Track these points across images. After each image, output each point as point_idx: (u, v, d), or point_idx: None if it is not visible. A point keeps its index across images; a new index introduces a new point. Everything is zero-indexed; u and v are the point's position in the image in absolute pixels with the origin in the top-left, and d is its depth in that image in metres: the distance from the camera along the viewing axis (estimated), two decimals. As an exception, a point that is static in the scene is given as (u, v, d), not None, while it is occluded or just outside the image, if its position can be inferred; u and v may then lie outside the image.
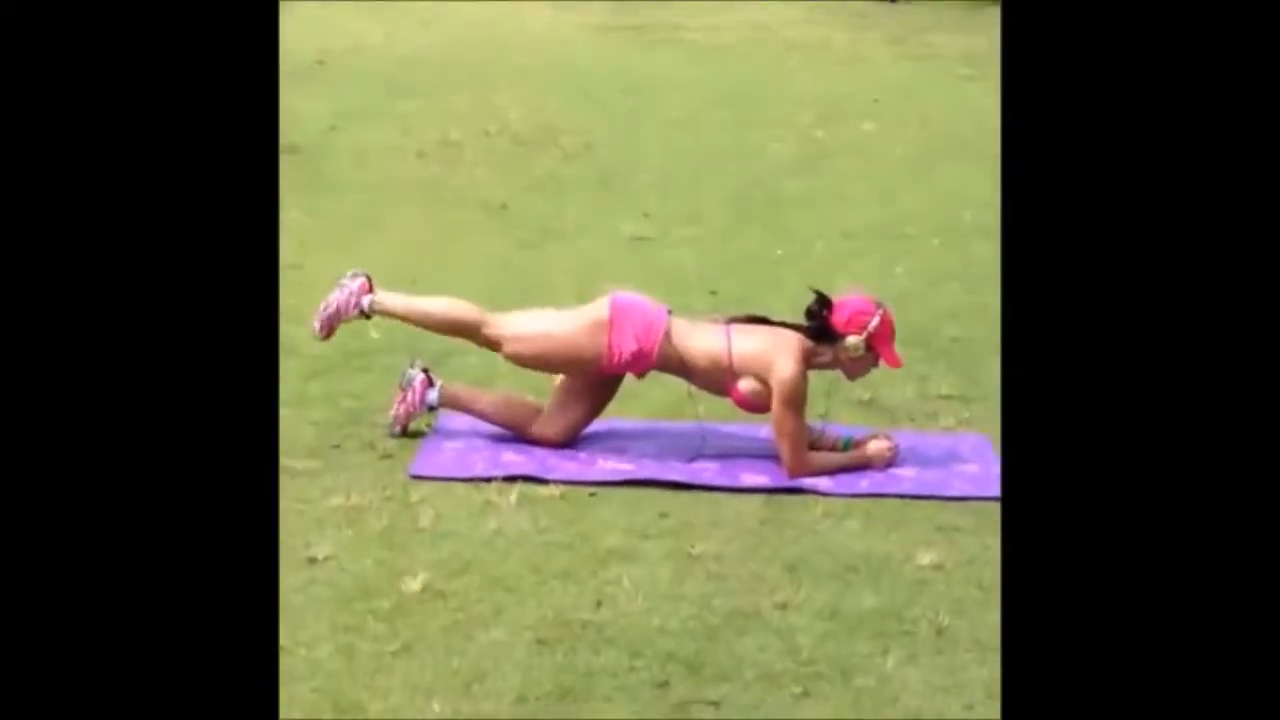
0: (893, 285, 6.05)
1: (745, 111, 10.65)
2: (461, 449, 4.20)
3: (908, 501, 3.99)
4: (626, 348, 4.13)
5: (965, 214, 7.31)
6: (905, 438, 4.35)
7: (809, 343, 4.15)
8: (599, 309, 4.18)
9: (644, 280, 5.85)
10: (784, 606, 3.36)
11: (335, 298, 4.29)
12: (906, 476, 4.14)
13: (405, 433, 4.27)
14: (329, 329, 4.31)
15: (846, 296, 4.23)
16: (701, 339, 4.18)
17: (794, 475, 4.08)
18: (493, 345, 4.26)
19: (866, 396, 4.62)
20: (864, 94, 11.27)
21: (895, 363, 4.21)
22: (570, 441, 4.26)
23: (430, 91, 10.82)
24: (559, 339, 4.17)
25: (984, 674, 3.11)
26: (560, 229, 6.95)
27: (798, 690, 3.03)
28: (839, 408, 4.45)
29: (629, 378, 4.29)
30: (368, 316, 4.32)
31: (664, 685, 3.02)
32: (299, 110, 10.50)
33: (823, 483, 4.07)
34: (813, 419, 4.28)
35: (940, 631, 3.28)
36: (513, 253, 6.48)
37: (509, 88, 11.06)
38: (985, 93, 10.24)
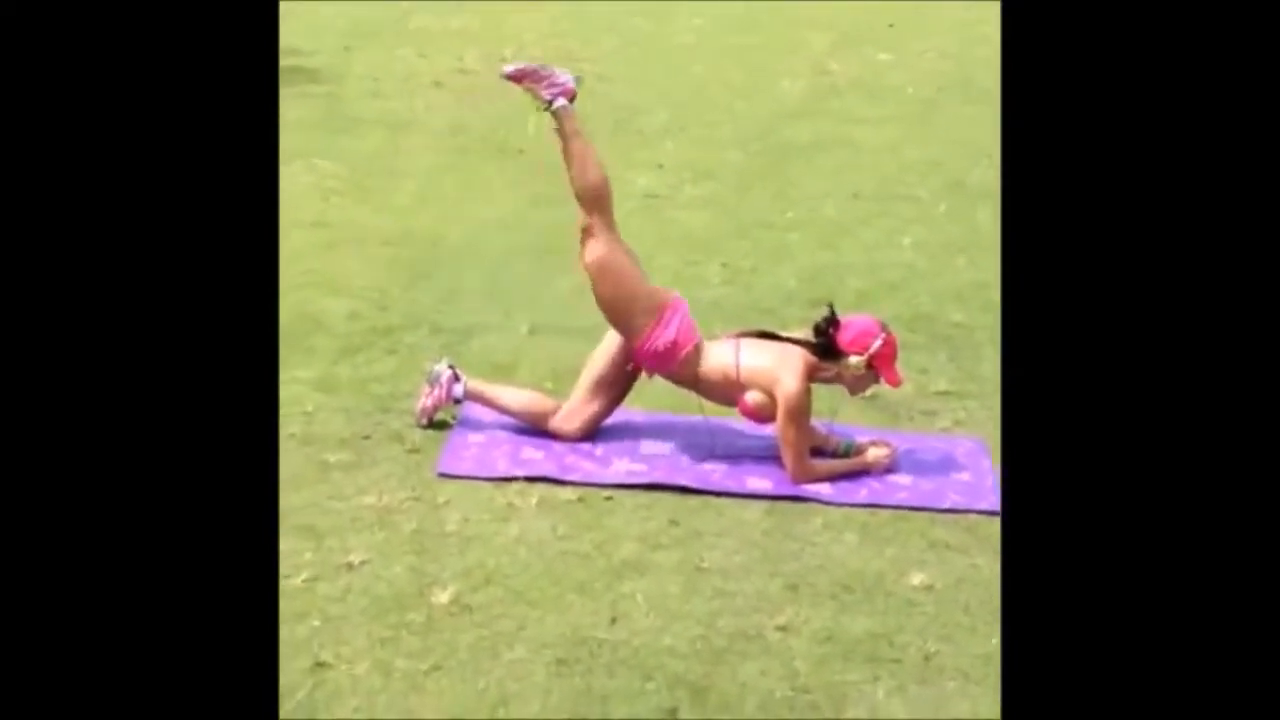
0: (899, 258, 6.29)
1: (759, 36, 10.70)
2: (484, 444, 4.46)
3: (903, 513, 4.26)
4: (666, 336, 4.36)
5: (974, 173, 7.49)
6: (903, 440, 4.62)
7: (813, 358, 4.40)
8: (667, 294, 4.43)
9: (656, 243, 6.07)
10: (784, 629, 3.62)
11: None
12: (903, 485, 4.41)
13: (431, 424, 4.54)
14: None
15: (854, 317, 4.46)
16: (714, 355, 4.43)
17: (796, 482, 4.35)
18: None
19: (869, 393, 4.85)
20: (881, 19, 11.30)
21: (895, 383, 4.46)
22: (589, 435, 4.53)
23: (443, 10, 10.88)
24: (629, 282, 4.33)
25: (965, 706, 3.39)
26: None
27: None
28: (842, 403, 4.70)
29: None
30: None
31: (672, 712, 3.30)
32: (315, 24, 10.57)
33: (824, 490, 4.33)
34: (820, 418, 4.55)
35: (928, 659, 3.55)
36: (529, 210, 6.67)
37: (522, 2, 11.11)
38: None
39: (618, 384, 4.53)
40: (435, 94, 8.74)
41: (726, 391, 4.43)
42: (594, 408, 4.53)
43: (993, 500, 4.27)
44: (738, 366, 4.37)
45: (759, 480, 4.36)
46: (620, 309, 4.39)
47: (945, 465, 4.52)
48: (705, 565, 3.90)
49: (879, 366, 4.41)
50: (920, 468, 4.50)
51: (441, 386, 4.54)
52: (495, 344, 5.10)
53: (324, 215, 6.37)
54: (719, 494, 4.27)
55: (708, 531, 4.08)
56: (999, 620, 3.61)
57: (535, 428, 4.54)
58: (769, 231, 6.58)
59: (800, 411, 4.33)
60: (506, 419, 4.58)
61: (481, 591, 3.71)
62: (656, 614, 3.66)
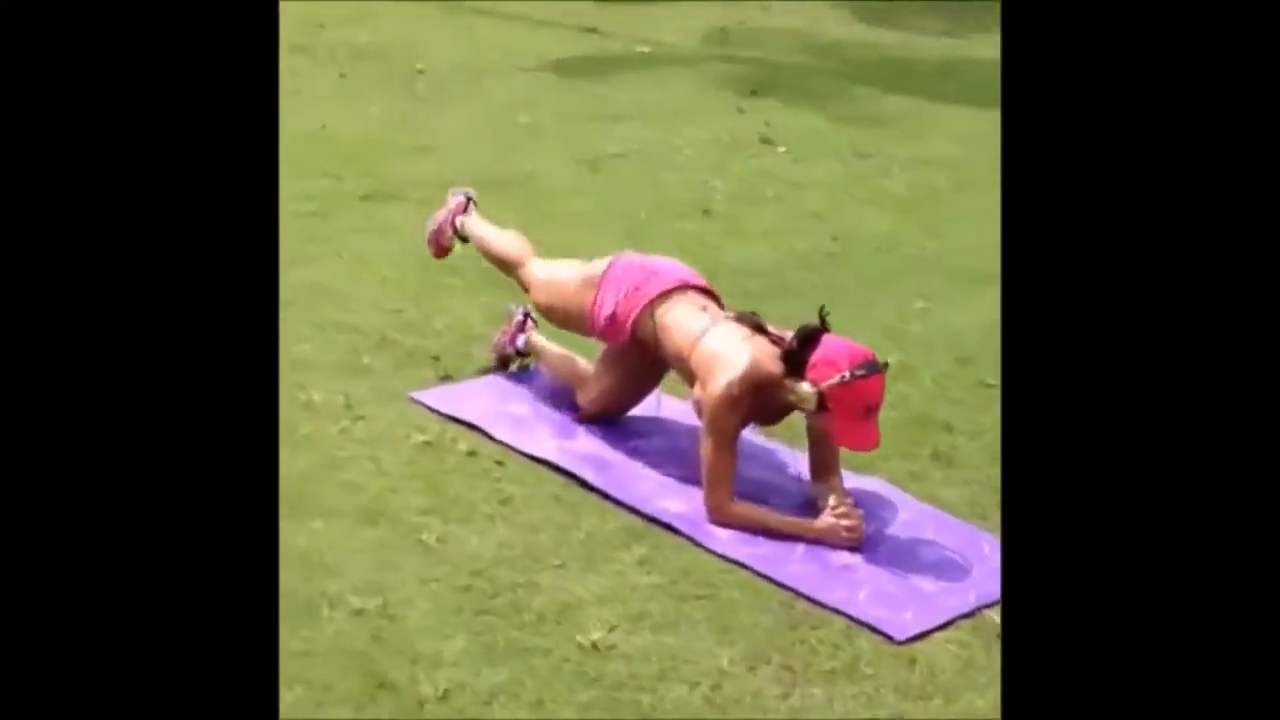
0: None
1: None
2: (500, 389, 3.99)
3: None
4: (605, 310, 3.68)
5: None
6: (889, 494, 3.52)
7: (776, 369, 3.34)
8: (598, 266, 3.75)
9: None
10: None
11: (438, 215, 4.24)
12: (852, 574, 3.23)
13: (503, 363, 4.13)
14: (435, 246, 4.25)
15: (841, 341, 3.36)
16: (683, 324, 3.56)
17: (710, 519, 3.36)
18: (525, 288, 3.96)
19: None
20: None
21: (849, 442, 3.32)
22: (611, 415, 3.85)
23: None
24: (557, 289, 3.82)
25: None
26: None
27: None
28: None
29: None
30: (463, 239, 4.20)
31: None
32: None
33: (721, 534, 3.30)
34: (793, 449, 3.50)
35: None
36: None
37: None
38: None
39: (628, 358, 3.77)
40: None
41: (685, 372, 3.56)
42: (603, 383, 3.84)
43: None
44: (694, 347, 3.47)
45: (678, 502, 3.44)
46: (568, 314, 3.83)
47: (924, 560, 3.25)
48: (425, 539, 3.23)
49: (833, 411, 3.28)
50: (894, 554, 3.31)
51: (510, 329, 4.13)
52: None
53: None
54: (613, 500, 3.45)
55: (515, 520, 3.36)
56: None
57: (570, 395, 3.95)
58: None
59: (720, 424, 3.36)
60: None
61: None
62: (283, 554, 3.05)
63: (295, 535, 3.21)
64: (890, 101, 7.50)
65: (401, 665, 2.81)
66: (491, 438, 3.74)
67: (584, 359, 4.00)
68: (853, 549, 3.32)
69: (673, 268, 3.74)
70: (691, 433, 3.79)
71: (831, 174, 6.22)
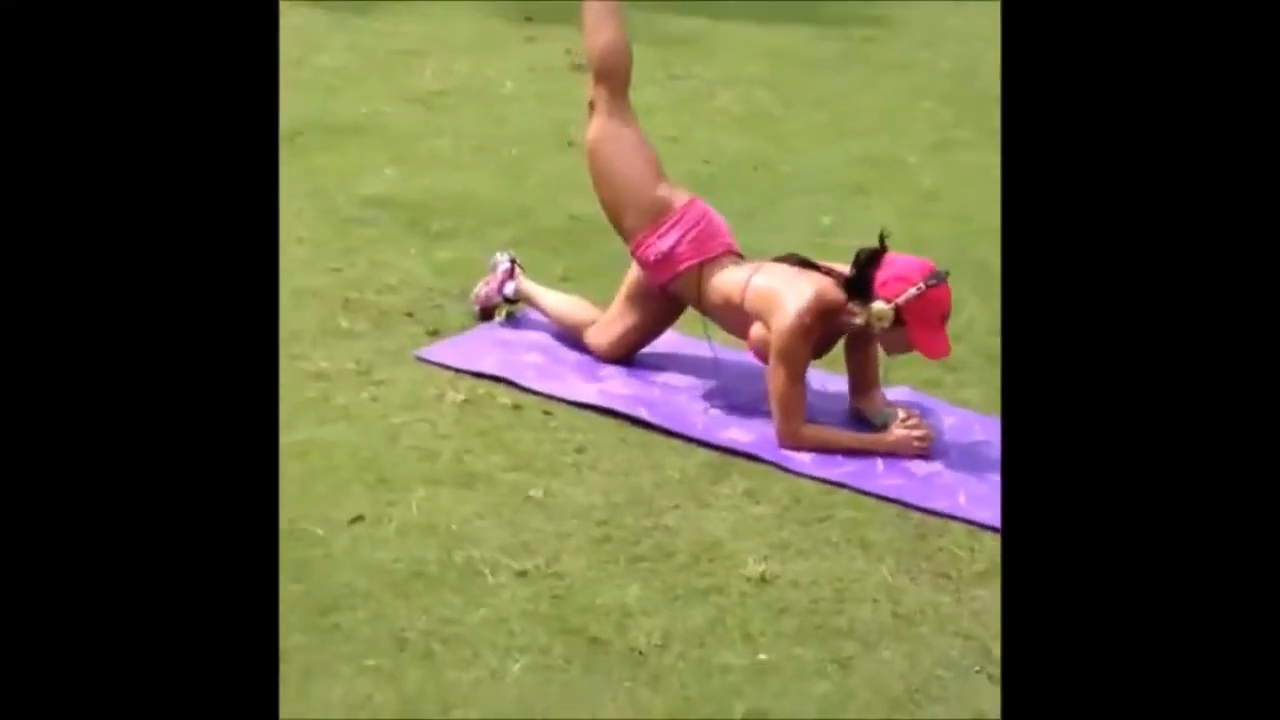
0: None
1: None
2: (499, 340, 3.97)
3: (873, 500, 3.31)
4: (661, 246, 3.68)
5: None
6: (950, 413, 3.68)
7: (838, 295, 3.49)
8: (677, 197, 3.73)
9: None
10: (524, 574, 2.93)
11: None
12: (910, 471, 3.43)
13: (486, 314, 4.12)
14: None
15: (905, 257, 3.51)
16: (728, 274, 3.65)
17: (782, 445, 3.49)
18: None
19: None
20: None
21: (930, 352, 3.47)
22: (624, 357, 3.89)
23: None
24: (632, 174, 3.72)
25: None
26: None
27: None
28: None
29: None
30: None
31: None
32: None
33: (802, 459, 3.45)
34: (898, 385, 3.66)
35: (639, 651, 2.73)
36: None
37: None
38: None
39: (653, 300, 3.84)
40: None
41: (733, 319, 3.66)
42: (626, 323, 3.88)
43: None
44: (745, 289, 3.58)
45: (742, 433, 3.56)
46: (609, 203, 3.76)
47: (991, 458, 3.46)
48: (535, 495, 3.25)
49: (911, 324, 3.43)
50: (964, 456, 3.51)
51: (496, 279, 4.11)
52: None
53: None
54: (680, 436, 3.53)
55: (601, 467, 3.39)
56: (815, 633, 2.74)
57: (574, 338, 3.98)
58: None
59: (791, 352, 3.47)
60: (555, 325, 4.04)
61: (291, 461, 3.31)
62: (404, 526, 3.09)
63: (408, 509, 3.16)
64: (676, 23, 7.63)
65: (598, 620, 2.83)
66: (524, 388, 3.73)
67: (587, 302, 4.04)
68: (925, 458, 3.51)
69: (725, 229, 3.78)
70: (704, 365, 3.91)
71: (662, 97, 6.32)
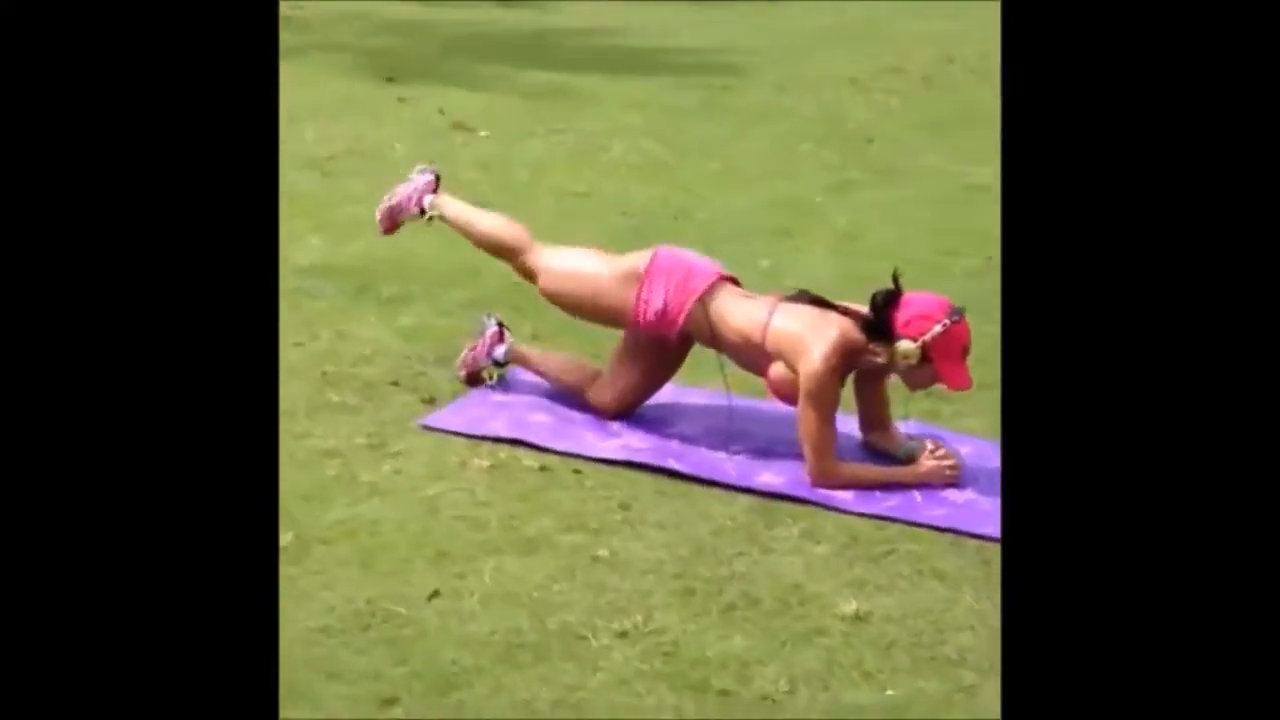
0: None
1: None
2: (500, 404, 3.93)
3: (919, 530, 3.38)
4: (654, 304, 3.72)
5: None
6: (969, 444, 3.75)
7: (858, 336, 3.56)
8: (639, 259, 3.79)
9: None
10: (624, 635, 2.91)
11: (400, 190, 4.11)
12: (949, 500, 3.50)
13: (473, 379, 4.06)
14: (389, 222, 4.11)
15: (920, 295, 3.60)
16: (742, 311, 3.69)
17: (815, 485, 3.54)
18: (529, 275, 3.94)
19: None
20: None
21: (957, 385, 3.56)
22: (627, 412, 3.89)
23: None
24: (589, 281, 3.81)
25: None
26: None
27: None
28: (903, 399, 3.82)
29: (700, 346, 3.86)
30: (428, 218, 4.09)
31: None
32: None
33: (843, 495, 3.51)
34: (900, 419, 3.73)
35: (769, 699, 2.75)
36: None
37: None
38: None
39: (653, 353, 3.86)
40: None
41: (751, 358, 3.69)
42: (628, 379, 3.89)
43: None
44: (765, 329, 3.62)
45: (773, 475, 3.59)
46: (598, 318, 3.85)
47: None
48: (602, 555, 3.23)
49: (937, 360, 3.52)
50: (982, 478, 3.60)
51: (484, 342, 4.06)
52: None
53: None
54: (714, 484, 3.56)
55: (651, 520, 3.38)
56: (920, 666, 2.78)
57: (575, 398, 3.97)
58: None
59: (823, 394, 3.52)
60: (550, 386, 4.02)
61: (324, 546, 3.21)
62: (485, 597, 3.04)
63: (480, 579, 3.09)
64: (533, 76, 7.65)
65: (716, 672, 2.82)
66: (544, 449, 3.71)
67: (585, 359, 4.02)
68: (958, 486, 3.59)
69: (707, 261, 3.82)
70: (707, 411, 3.93)
71: (552, 152, 6.34)
